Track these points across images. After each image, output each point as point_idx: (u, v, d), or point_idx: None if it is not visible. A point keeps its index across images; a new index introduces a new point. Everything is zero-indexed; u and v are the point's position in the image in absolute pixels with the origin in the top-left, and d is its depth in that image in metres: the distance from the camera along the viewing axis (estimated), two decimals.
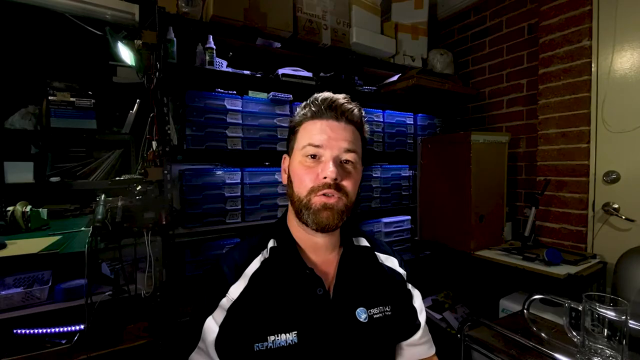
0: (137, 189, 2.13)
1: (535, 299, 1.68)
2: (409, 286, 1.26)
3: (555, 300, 1.56)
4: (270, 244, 1.14)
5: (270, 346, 0.97)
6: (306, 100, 1.18)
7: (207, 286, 1.09)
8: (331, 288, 1.10)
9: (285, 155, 1.19)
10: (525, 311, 1.74)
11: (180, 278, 2.21)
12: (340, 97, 1.14)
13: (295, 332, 0.99)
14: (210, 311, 1.02)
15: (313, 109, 1.13)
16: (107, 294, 2.00)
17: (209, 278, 1.10)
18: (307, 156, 1.09)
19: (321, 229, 1.07)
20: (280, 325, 1.00)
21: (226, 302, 1.03)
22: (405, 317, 1.21)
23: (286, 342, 0.98)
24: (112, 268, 2.26)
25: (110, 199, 2.08)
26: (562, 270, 2.12)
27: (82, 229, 2.49)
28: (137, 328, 2.06)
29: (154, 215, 2.06)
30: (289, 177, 1.15)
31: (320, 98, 1.13)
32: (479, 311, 2.92)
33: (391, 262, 1.27)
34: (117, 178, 2.50)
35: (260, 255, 1.12)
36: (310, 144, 1.08)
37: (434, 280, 3.24)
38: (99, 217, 1.93)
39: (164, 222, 2.06)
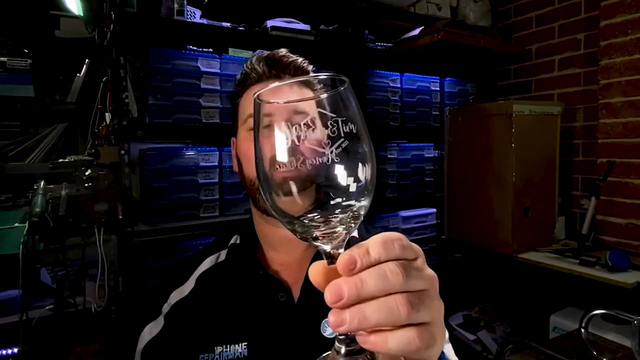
0: (86, 174, 2.10)
1: (595, 314, 1.67)
2: None
3: (621, 316, 1.54)
4: (232, 240, 1.21)
5: (217, 358, 1.02)
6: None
7: (154, 291, 1.16)
8: (297, 294, 1.11)
9: (233, 139, 1.20)
10: (582, 330, 1.73)
11: (141, 288, 2.18)
12: (281, 51, 1.15)
13: (246, 343, 1.04)
14: (150, 318, 1.13)
15: (252, 74, 1.14)
16: (47, 308, 1.99)
17: (160, 282, 1.18)
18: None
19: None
20: (230, 335, 1.05)
21: (166, 307, 1.12)
22: None
23: (234, 354, 1.03)
24: (54, 275, 2.24)
25: (51, 186, 2.06)
26: (630, 277, 2.10)
27: (16, 225, 2.47)
28: (86, 352, 2.05)
29: (108, 207, 2.05)
30: (239, 162, 1.16)
31: (254, 59, 1.15)
32: (524, 330, 2.90)
33: None
34: (61, 160, 2.47)
35: (216, 254, 1.19)
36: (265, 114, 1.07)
37: (465, 291, 3.23)
38: (37, 209, 1.91)
39: (121, 217, 2.04)
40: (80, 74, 3.15)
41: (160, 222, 2.27)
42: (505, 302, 3.13)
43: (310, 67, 1.18)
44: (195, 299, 1.10)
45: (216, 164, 2.43)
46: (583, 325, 1.72)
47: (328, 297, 0.43)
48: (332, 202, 0.48)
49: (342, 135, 0.48)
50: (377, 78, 3.02)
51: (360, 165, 0.48)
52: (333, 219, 0.48)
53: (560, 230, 2.84)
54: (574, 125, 3.03)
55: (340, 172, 0.47)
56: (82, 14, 2.66)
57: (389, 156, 3.09)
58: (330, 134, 0.47)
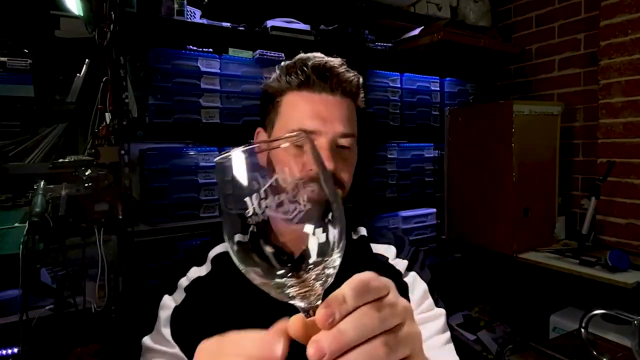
0: (86, 174, 2.10)
1: (595, 314, 1.67)
2: (408, 277, 1.22)
3: (621, 317, 1.55)
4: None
5: None
6: (288, 60, 1.16)
7: (168, 270, 1.13)
8: None
9: (260, 129, 1.19)
10: (583, 330, 1.73)
11: (141, 288, 2.18)
12: (336, 63, 1.13)
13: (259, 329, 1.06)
14: (169, 291, 1.11)
15: (301, 77, 1.11)
16: (47, 308, 1.98)
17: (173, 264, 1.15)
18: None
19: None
20: (244, 320, 1.04)
21: (185, 281, 1.11)
22: None
23: None
24: (54, 275, 2.23)
25: (51, 186, 2.06)
26: (630, 277, 2.10)
27: (16, 225, 2.46)
28: (86, 352, 2.05)
29: (108, 207, 2.05)
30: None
31: (310, 64, 1.11)
32: (524, 330, 2.90)
33: (388, 252, 1.27)
34: (61, 160, 2.47)
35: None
36: (301, 129, 1.07)
37: (465, 291, 3.23)
38: (37, 209, 1.91)
39: (121, 217, 2.04)
40: (80, 74, 3.14)
41: (160, 222, 2.26)
42: (505, 302, 3.12)
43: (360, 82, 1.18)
44: (212, 279, 1.10)
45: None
46: (583, 325, 1.72)
47: (311, 353, 0.43)
48: (309, 261, 0.47)
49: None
50: (377, 78, 3.01)
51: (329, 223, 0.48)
52: (308, 277, 0.48)
53: (560, 230, 2.84)
54: (574, 125, 3.03)
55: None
56: (82, 14, 2.66)
57: (389, 156, 3.08)
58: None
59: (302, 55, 1.13)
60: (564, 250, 2.49)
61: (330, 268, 0.49)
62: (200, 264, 1.14)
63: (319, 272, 0.48)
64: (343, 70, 1.12)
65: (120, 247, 2.06)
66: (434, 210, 3.25)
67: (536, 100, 3.19)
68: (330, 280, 0.50)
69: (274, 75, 1.17)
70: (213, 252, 1.14)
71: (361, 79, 1.18)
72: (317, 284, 0.49)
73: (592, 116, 2.87)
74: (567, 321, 2.31)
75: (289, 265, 0.47)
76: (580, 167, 3.02)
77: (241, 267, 0.50)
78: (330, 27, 2.81)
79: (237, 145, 0.48)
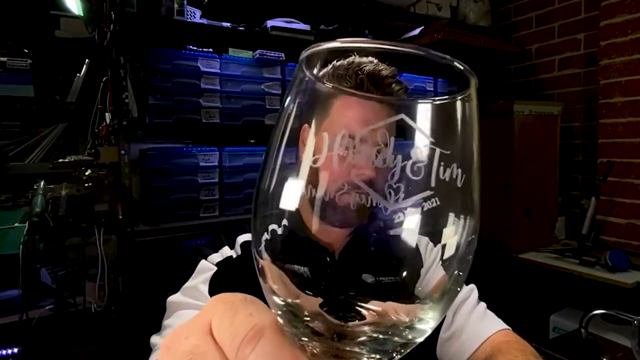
0: (86, 174, 2.10)
1: (595, 314, 1.66)
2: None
3: (621, 316, 1.54)
4: None
5: None
6: (340, 60, 1.16)
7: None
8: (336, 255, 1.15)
9: (305, 126, 1.19)
10: (582, 330, 1.72)
11: (141, 288, 2.17)
12: (388, 72, 1.13)
13: None
14: (206, 256, 1.17)
15: (356, 80, 1.12)
16: (47, 308, 1.98)
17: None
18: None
19: (347, 226, 1.08)
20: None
21: (218, 256, 1.16)
22: None
23: None
24: (54, 275, 2.23)
25: (51, 186, 2.06)
26: (630, 277, 2.10)
27: (16, 225, 2.46)
28: (85, 353, 2.05)
29: (108, 207, 2.05)
30: None
31: (366, 69, 1.12)
32: (524, 330, 2.89)
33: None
34: (61, 160, 2.47)
35: None
36: (348, 135, 1.08)
37: None
38: (38, 209, 1.91)
39: (121, 217, 2.04)
40: (80, 74, 3.14)
41: (160, 222, 2.26)
42: (505, 301, 3.12)
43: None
44: (242, 263, 1.14)
45: (216, 164, 2.42)
46: (583, 325, 1.71)
47: None
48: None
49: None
50: None
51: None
52: (356, 335, 0.30)
53: (561, 230, 2.84)
54: (574, 126, 3.03)
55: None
56: (82, 14, 2.66)
57: None
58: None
59: (355, 58, 1.14)
60: (564, 250, 2.49)
61: (410, 334, 0.31)
62: (231, 247, 1.20)
63: (383, 330, 0.30)
64: (394, 80, 1.14)
65: (120, 247, 2.06)
66: None
67: (536, 101, 3.19)
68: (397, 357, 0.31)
69: (323, 72, 1.17)
70: (242, 238, 1.20)
71: (408, 89, 1.20)
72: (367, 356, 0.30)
73: (592, 116, 2.87)
74: (567, 321, 2.31)
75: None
76: (580, 167, 3.02)
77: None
78: (330, 27, 2.81)
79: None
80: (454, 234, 0.30)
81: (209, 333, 0.30)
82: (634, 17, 2.52)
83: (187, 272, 1.22)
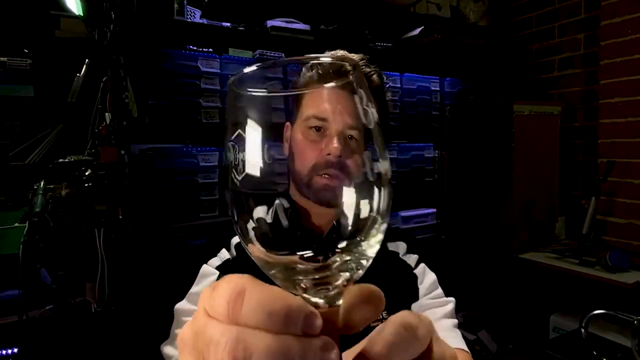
0: (86, 174, 2.10)
1: (595, 314, 1.66)
2: (418, 269, 1.34)
3: (620, 316, 1.54)
4: None
5: None
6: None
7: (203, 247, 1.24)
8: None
9: (287, 123, 1.20)
10: (582, 330, 1.72)
11: (141, 288, 2.18)
12: (355, 58, 1.15)
13: None
14: (206, 259, 1.17)
15: (320, 71, 1.13)
16: (47, 308, 1.97)
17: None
18: (311, 128, 1.10)
19: (325, 204, 1.10)
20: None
21: (217, 260, 1.17)
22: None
23: None
24: (54, 275, 2.24)
25: (51, 186, 2.07)
26: (630, 277, 2.10)
27: (16, 225, 2.46)
28: (85, 353, 2.04)
29: (108, 207, 2.04)
30: (290, 148, 1.16)
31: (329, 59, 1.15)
32: (524, 330, 2.90)
33: (399, 248, 1.36)
34: (61, 160, 2.47)
35: None
36: (315, 116, 1.10)
37: (466, 291, 3.22)
38: (37, 209, 1.91)
39: (121, 217, 2.04)
40: (80, 74, 3.14)
41: (160, 222, 2.26)
42: (505, 302, 3.12)
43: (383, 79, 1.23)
44: (239, 264, 1.15)
45: (216, 164, 2.42)
46: (583, 325, 1.71)
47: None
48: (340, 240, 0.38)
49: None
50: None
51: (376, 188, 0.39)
52: (332, 263, 0.37)
53: (561, 230, 2.84)
54: (574, 125, 3.03)
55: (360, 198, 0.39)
56: (82, 14, 2.65)
57: (389, 156, 3.07)
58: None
59: (327, 52, 1.16)
60: (565, 250, 2.49)
61: (364, 257, 0.39)
62: (228, 248, 1.20)
63: (349, 258, 0.38)
64: (362, 65, 1.14)
65: (120, 247, 2.06)
66: (434, 210, 3.24)
67: (536, 101, 3.19)
68: (361, 273, 0.39)
69: (301, 72, 1.21)
70: (236, 239, 1.19)
71: (384, 76, 1.23)
72: (343, 275, 0.38)
73: (592, 116, 2.87)
74: (567, 321, 2.31)
75: (313, 245, 0.38)
76: (580, 167, 3.02)
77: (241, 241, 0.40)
78: (330, 27, 2.80)
79: None
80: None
81: (205, 314, 0.33)
82: (634, 17, 2.52)
83: (187, 273, 1.21)
